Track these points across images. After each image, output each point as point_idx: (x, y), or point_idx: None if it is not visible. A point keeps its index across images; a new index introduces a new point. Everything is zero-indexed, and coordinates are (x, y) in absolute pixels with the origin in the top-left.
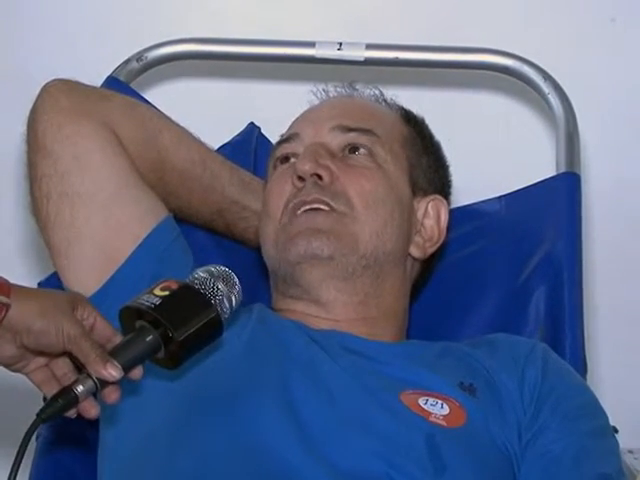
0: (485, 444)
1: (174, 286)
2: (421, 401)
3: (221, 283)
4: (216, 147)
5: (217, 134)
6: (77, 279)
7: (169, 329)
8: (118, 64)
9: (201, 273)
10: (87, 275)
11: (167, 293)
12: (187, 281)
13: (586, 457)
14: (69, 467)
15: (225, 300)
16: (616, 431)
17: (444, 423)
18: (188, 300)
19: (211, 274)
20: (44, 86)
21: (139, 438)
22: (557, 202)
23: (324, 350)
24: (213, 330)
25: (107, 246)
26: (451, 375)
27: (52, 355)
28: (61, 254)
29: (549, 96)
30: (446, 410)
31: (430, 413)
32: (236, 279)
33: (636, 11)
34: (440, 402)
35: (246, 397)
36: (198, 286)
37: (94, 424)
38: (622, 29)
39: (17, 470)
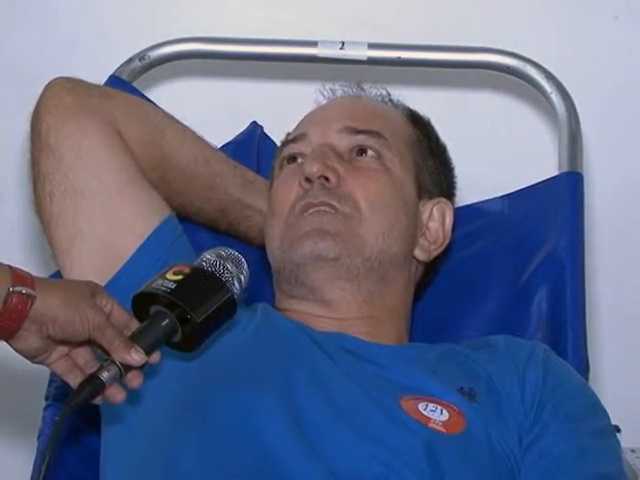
0: (484, 451)
1: (186, 270)
2: (421, 406)
3: (230, 264)
4: (219, 146)
5: (219, 133)
6: (79, 277)
7: (188, 312)
8: (120, 63)
9: (209, 255)
10: (89, 273)
11: (181, 277)
12: (196, 264)
13: (587, 457)
14: (71, 467)
15: (235, 280)
16: (618, 430)
17: (443, 429)
18: (202, 282)
19: (219, 256)
20: (47, 84)
21: (143, 434)
22: (559, 202)
23: (326, 353)
24: (228, 310)
25: (110, 244)
26: (451, 380)
27: (74, 344)
28: (64, 252)
29: (552, 95)
30: (445, 416)
31: (429, 419)
32: (243, 260)
33: (639, 9)
34: (440, 408)
35: (248, 394)
36: (208, 268)
37: (96, 424)
38: (625, 27)
39: (49, 462)
